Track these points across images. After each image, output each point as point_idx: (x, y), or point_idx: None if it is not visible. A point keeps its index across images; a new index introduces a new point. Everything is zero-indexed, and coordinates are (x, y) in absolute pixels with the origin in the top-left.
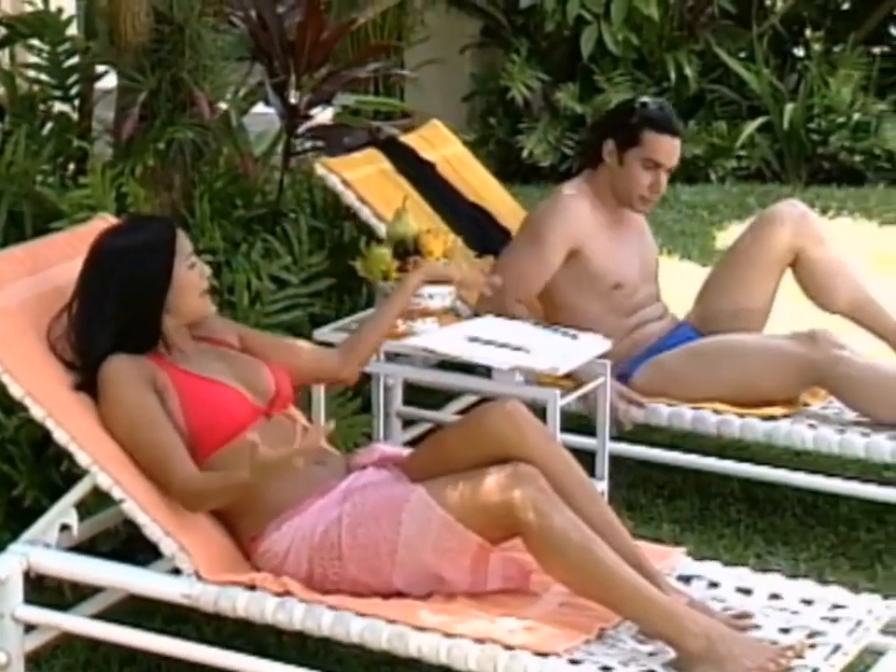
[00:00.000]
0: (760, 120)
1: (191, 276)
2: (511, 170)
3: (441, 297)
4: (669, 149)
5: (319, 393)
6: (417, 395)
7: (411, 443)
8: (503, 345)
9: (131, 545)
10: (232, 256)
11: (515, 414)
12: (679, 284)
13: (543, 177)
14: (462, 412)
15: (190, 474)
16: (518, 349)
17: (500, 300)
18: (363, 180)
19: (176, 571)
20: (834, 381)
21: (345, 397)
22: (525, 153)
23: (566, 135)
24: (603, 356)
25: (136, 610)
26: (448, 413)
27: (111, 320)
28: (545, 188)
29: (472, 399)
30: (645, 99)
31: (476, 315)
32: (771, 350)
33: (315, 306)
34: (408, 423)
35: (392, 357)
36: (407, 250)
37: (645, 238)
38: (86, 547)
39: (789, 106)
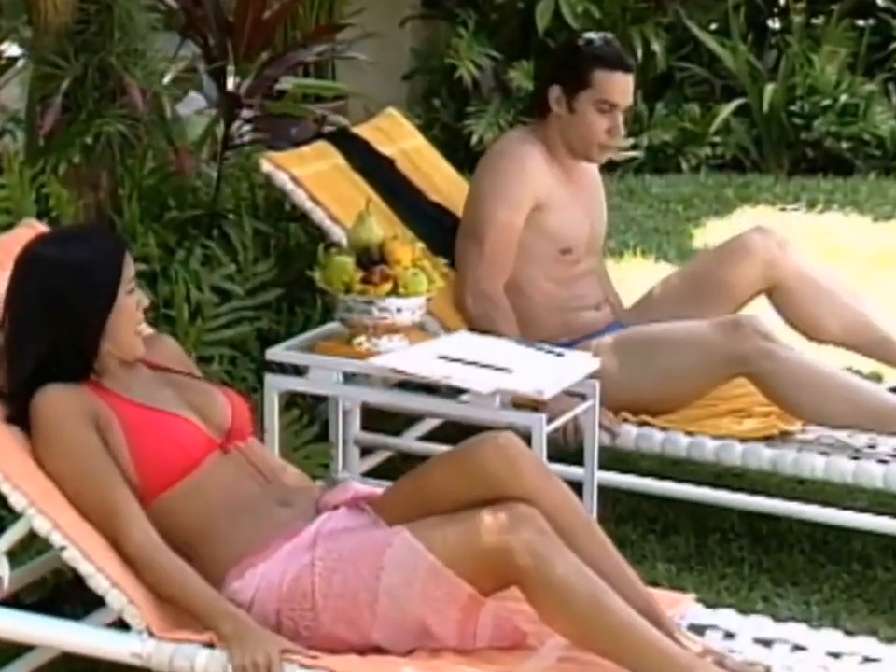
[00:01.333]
0: (736, 103)
1: (129, 304)
2: (459, 158)
3: (409, 311)
4: (624, 86)
5: (273, 421)
6: (373, 419)
7: (370, 474)
8: (480, 365)
9: (57, 597)
10: (168, 264)
11: (510, 448)
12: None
13: None
14: (425, 437)
15: (145, 540)
16: (498, 369)
17: (484, 296)
18: (315, 178)
19: (120, 626)
20: (761, 376)
21: (301, 424)
22: (474, 139)
23: (519, 119)
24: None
25: None
26: (410, 440)
27: (45, 341)
28: None
29: (434, 422)
30: (589, 35)
31: (446, 330)
32: (695, 341)
33: (263, 320)
34: (365, 451)
35: (348, 377)
36: (372, 258)
37: (597, 199)
38: (6, 600)
39: (768, 87)
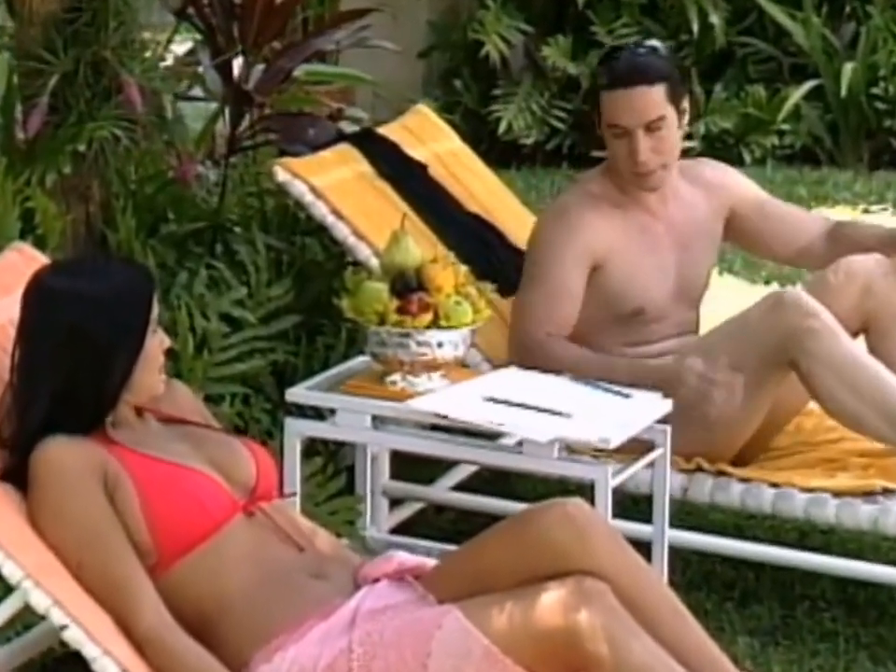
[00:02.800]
0: (808, 85)
1: (154, 346)
2: (484, 149)
3: (451, 345)
4: (626, 105)
5: (294, 472)
6: (401, 465)
7: (400, 529)
8: (534, 408)
9: None
10: (169, 286)
11: (579, 518)
12: (720, 306)
13: (525, 159)
14: (461, 486)
15: (157, 621)
16: (555, 413)
17: (534, 345)
18: (337, 188)
19: None
20: (801, 361)
21: (325, 475)
22: (501, 127)
23: (554, 104)
24: (663, 419)
25: None
26: (444, 489)
27: (61, 389)
28: (528, 173)
29: (470, 468)
30: (620, 46)
31: (495, 366)
32: (741, 332)
33: (279, 352)
34: (394, 502)
35: (377, 421)
36: (408, 285)
37: (692, 240)
38: None
39: (846, 66)
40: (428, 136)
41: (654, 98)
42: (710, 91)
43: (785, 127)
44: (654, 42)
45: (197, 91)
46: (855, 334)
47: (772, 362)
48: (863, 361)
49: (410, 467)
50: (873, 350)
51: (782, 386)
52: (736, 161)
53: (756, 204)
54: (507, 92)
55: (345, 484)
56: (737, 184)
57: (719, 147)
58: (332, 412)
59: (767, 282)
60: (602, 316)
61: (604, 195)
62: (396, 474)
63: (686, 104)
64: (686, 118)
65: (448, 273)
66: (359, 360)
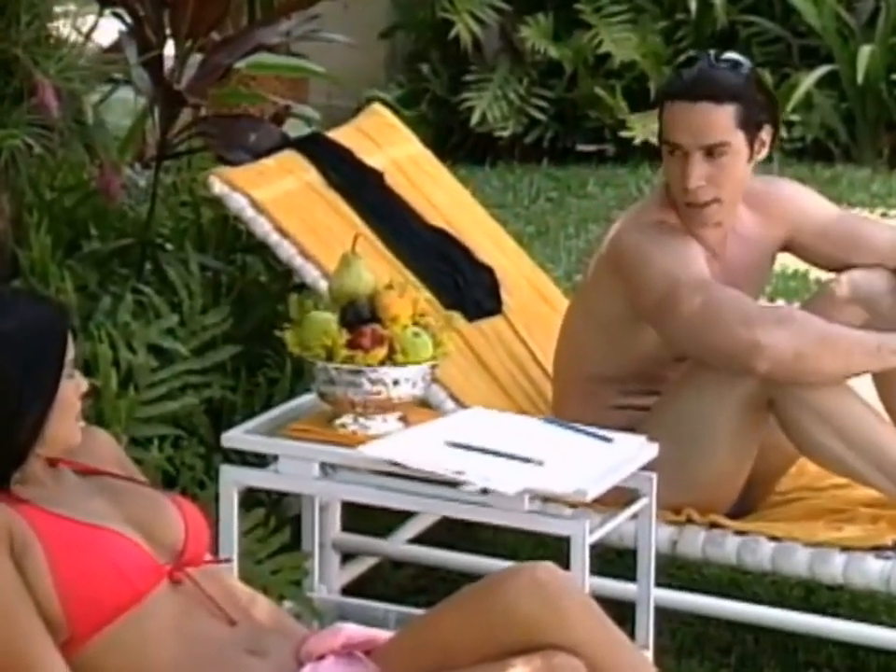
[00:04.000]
0: (820, 70)
1: (69, 391)
2: (454, 142)
3: (409, 383)
4: (682, 120)
5: (231, 526)
6: (354, 515)
7: (352, 588)
8: (502, 454)
9: None
10: (89, 313)
11: (550, 585)
12: None
13: (501, 154)
14: (421, 538)
15: None
16: (526, 460)
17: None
18: (282, 201)
19: None
20: (777, 397)
21: (266, 528)
22: (474, 118)
23: (534, 92)
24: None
25: None
26: (402, 542)
27: None
28: (504, 170)
29: (432, 518)
30: (699, 54)
31: (461, 405)
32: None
33: (214, 388)
34: (346, 557)
35: (325, 468)
36: (360, 315)
37: (743, 284)
38: None
39: (863, 49)
40: (386, 140)
41: (719, 119)
42: None
43: (794, 118)
44: (738, 56)
45: (125, 92)
46: None
47: (750, 403)
48: (849, 402)
49: (363, 517)
50: (880, 385)
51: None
52: None
53: (820, 229)
54: (480, 79)
55: (290, 539)
56: (802, 210)
57: None
58: (275, 457)
59: (772, 298)
60: (641, 355)
61: (669, 223)
62: (348, 525)
63: (765, 135)
64: (763, 152)
65: (405, 302)
66: (307, 398)
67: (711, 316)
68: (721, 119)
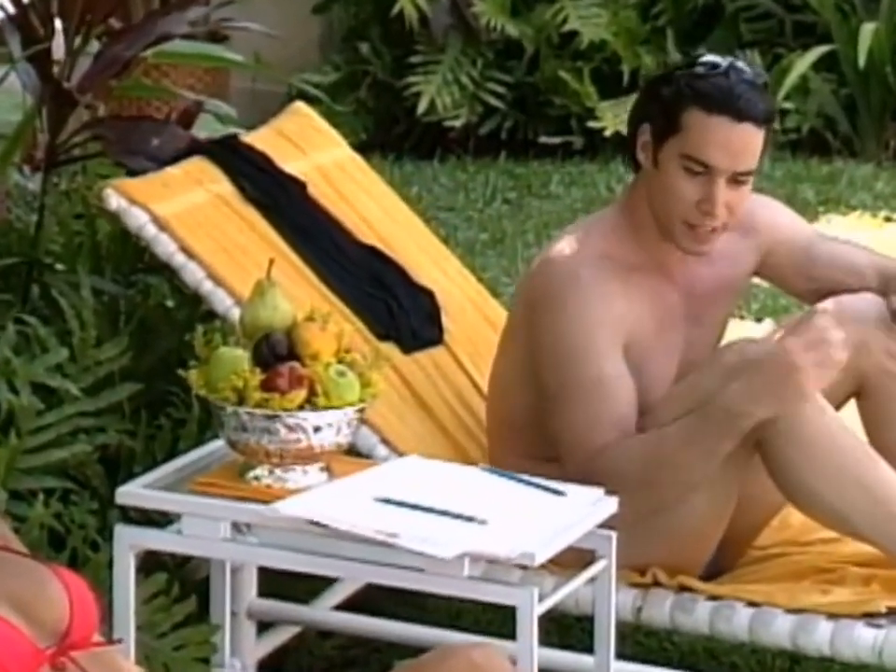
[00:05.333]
0: (817, 51)
1: None
2: (398, 133)
3: (332, 429)
4: (722, 139)
5: (126, 595)
6: (272, 580)
7: (271, 660)
8: (439, 512)
9: None
10: None
11: (488, 667)
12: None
13: (452, 146)
14: (349, 604)
15: None
16: (466, 519)
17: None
18: (189, 216)
19: None
20: (767, 438)
21: (169, 597)
22: (421, 106)
23: (489, 76)
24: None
25: None
26: (326, 609)
27: None
28: (456, 165)
29: (357, 584)
30: (713, 57)
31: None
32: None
33: (110, 433)
34: (263, 625)
35: (240, 527)
36: (276, 351)
37: (708, 313)
38: None
39: (865, 27)
40: (309, 144)
41: (757, 145)
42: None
43: (787, 106)
44: (759, 68)
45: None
46: (846, 398)
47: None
48: (851, 444)
49: (283, 581)
50: (867, 421)
51: (761, 473)
52: None
53: (796, 250)
54: (428, 60)
55: (197, 608)
56: (776, 227)
57: None
58: (179, 516)
59: (759, 318)
60: None
61: (617, 253)
62: (265, 590)
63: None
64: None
65: (328, 336)
66: (217, 445)
67: (575, 430)
68: (759, 144)
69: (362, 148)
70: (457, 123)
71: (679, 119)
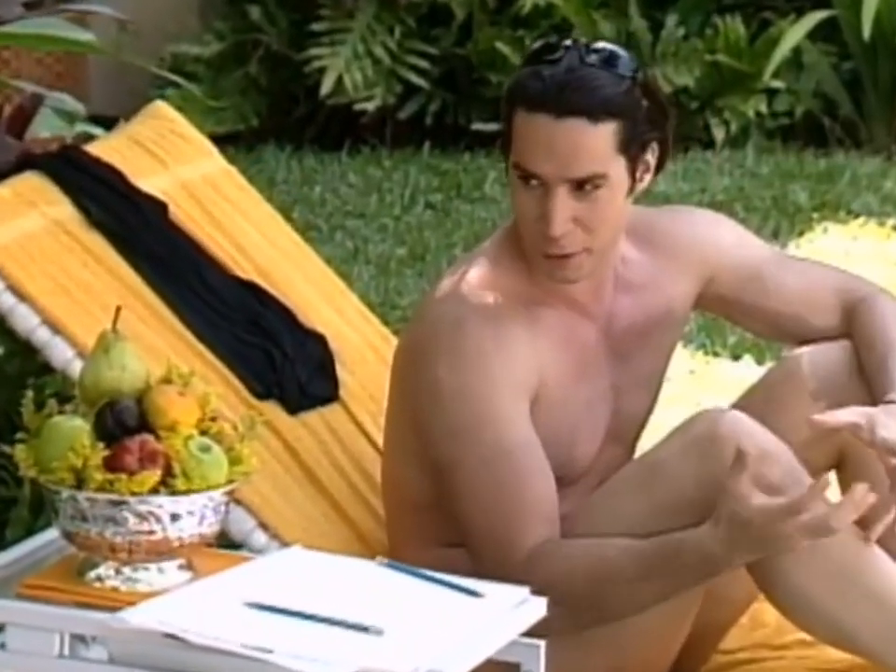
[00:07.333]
0: (814, 17)
1: None
2: (298, 119)
3: (194, 517)
4: (542, 140)
5: None
6: None
7: None
8: (325, 620)
9: None
10: None
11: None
12: (663, 396)
13: (366, 135)
14: None
15: None
16: (358, 628)
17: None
18: (20, 247)
19: None
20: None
21: None
22: (326, 84)
23: (410, 47)
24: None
25: None
26: None
27: None
28: (369, 159)
29: None
30: (559, 42)
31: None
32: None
33: None
34: None
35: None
36: (122, 421)
37: (638, 348)
38: None
39: None
40: (172, 154)
41: (594, 143)
42: (659, 25)
43: (776, 85)
44: (616, 48)
45: None
46: (824, 470)
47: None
48: (851, 540)
49: None
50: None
51: None
52: (699, 140)
53: (747, 276)
54: (334, 28)
55: None
56: (717, 247)
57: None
58: (2, 626)
59: (736, 356)
60: None
61: (511, 287)
62: None
63: (651, 156)
64: (647, 178)
65: (189, 401)
66: (53, 535)
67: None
68: (597, 143)
69: (253, 137)
70: (370, 106)
71: (510, 122)
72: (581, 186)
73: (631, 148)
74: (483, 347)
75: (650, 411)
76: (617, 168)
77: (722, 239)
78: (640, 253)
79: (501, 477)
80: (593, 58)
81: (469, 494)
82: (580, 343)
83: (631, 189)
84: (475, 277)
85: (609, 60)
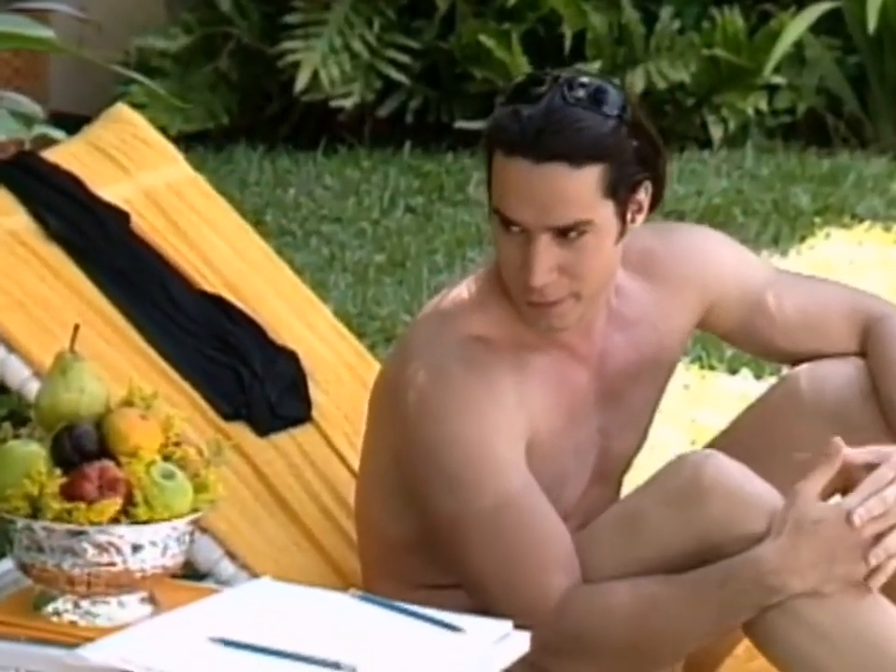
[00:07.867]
0: (817, 9)
1: None
2: (270, 116)
3: (157, 547)
4: (521, 188)
5: None
6: None
7: None
8: (292, 656)
9: None
10: None
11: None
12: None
13: (342, 134)
14: None
15: None
16: (332, 666)
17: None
18: None
19: None
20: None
21: None
22: (301, 80)
23: (390, 40)
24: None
25: None
26: None
27: None
28: (347, 159)
29: None
30: (542, 74)
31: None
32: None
33: None
34: None
35: None
36: (80, 447)
37: (629, 391)
38: None
39: None
40: (135, 161)
41: (576, 189)
42: (653, 18)
43: (777, 81)
44: (599, 80)
45: None
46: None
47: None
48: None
49: None
50: None
51: None
52: (697, 138)
53: (751, 298)
54: (309, 20)
55: None
56: (721, 270)
57: (666, 114)
58: None
59: (733, 370)
60: None
61: (496, 330)
62: None
63: (643, 194)
64: (640, 218)
65: (151, 425)
66: (7, 566)
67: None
68: (580, 189)
69: (223, 136)
70: (348, 103)
71: (490, 164)
72: (565, 233)
73: (619, 191)
74: (472, 394)
75: (638, 448)
76: (604, 213)
77: (723, 266)
78: (634, 282)
79: (511, 525)
80: (578, 94)
81: (479, 547)
82: (571, 387)
83: (622, 233)
84: (461, 323)
85: (595, 96)
